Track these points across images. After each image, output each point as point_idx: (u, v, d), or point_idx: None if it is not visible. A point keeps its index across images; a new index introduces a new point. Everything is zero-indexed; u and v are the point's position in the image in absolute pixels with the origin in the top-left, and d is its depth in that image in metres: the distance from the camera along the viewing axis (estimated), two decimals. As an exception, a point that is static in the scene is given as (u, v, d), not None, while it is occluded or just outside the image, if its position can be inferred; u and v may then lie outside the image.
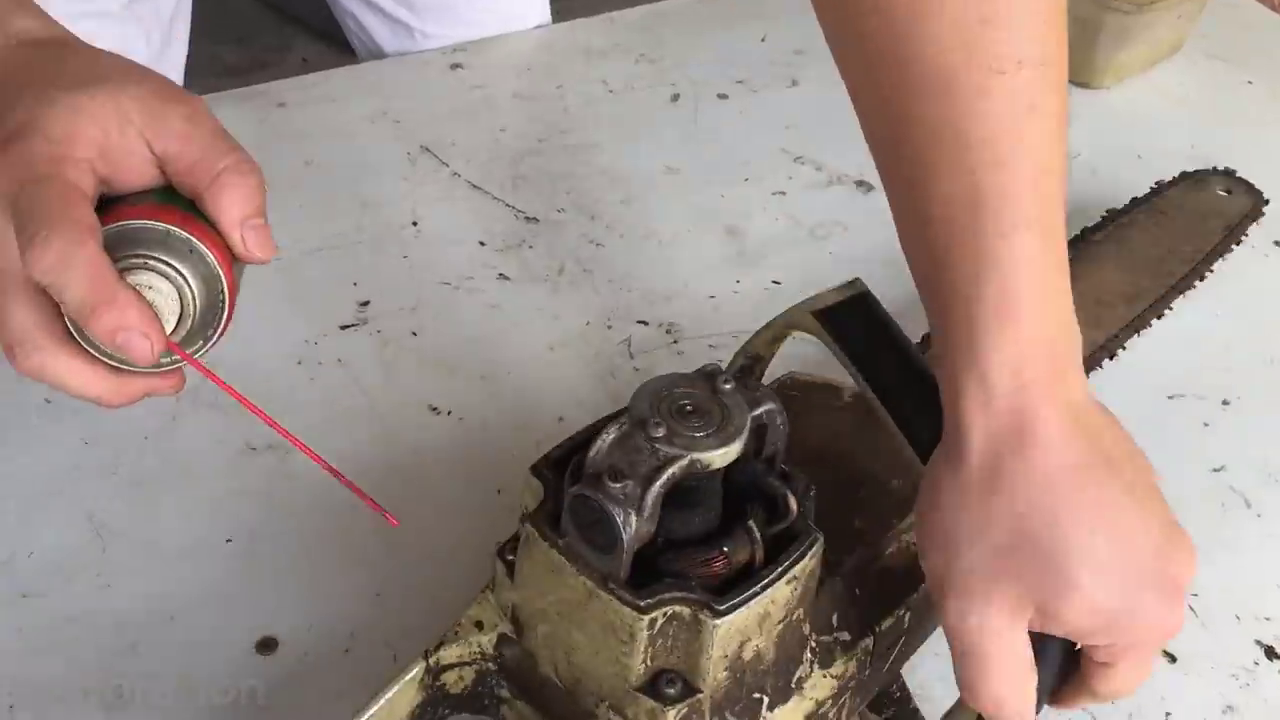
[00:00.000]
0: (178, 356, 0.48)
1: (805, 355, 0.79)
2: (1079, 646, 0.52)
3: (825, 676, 0.55)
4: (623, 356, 0.84)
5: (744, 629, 0.50)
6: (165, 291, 0.46)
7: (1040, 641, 0.51)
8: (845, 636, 0.56)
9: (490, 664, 0.56)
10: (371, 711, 0.53)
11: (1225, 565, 0.73)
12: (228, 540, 0.70)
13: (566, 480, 0.51)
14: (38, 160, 0.45)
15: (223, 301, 0.48)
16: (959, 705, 0.55)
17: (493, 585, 0.56)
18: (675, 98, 1.08)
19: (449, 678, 0.55)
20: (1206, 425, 0.83)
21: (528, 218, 0.95)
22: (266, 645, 0.65)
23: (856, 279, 0.60)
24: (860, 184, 1.00)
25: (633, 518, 0.47)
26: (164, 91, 0.49)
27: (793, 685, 0.54)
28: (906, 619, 0.58)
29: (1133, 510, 0.50)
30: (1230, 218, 0.95)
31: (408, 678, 0.54)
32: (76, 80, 0.48)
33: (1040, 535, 0.48)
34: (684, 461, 0.48)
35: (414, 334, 0.84)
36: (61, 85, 0.47)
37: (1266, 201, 0.98)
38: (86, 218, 0.45)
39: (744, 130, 1.06)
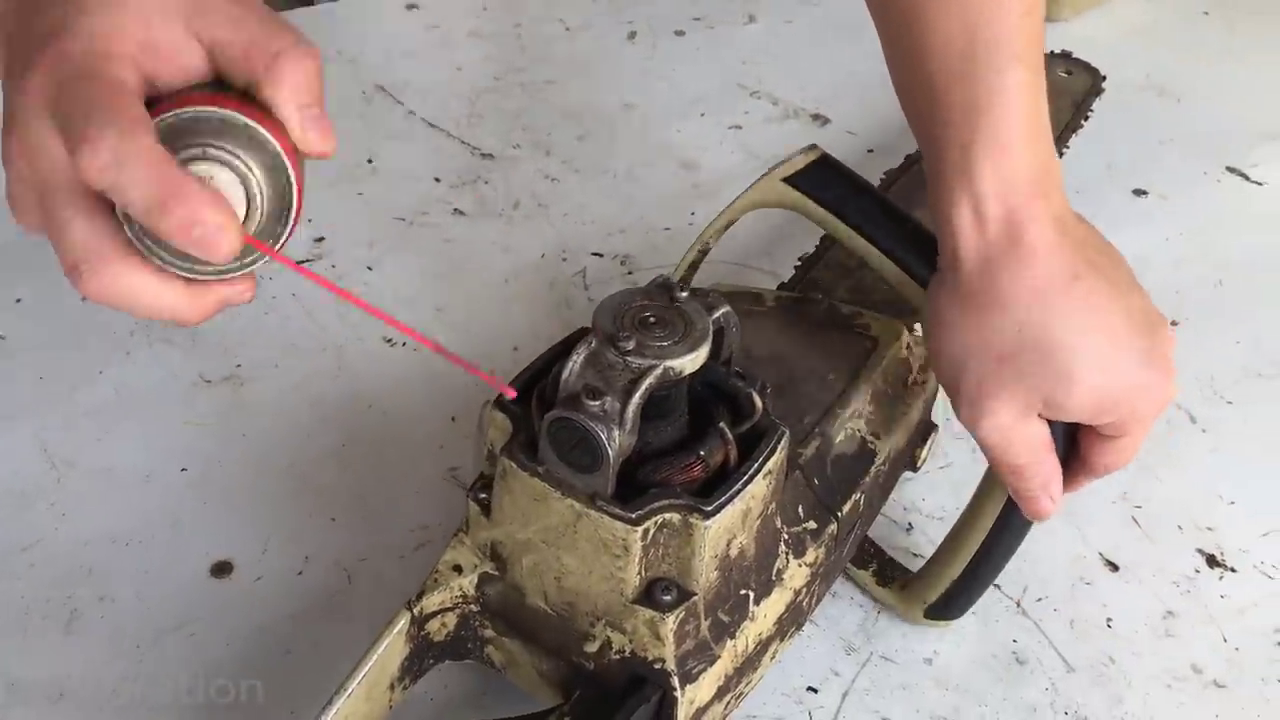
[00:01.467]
0: (252, 255, 0.43)
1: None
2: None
3: (800, 565, 0.56)
4: (577, 288, 0.85)
5: (730, 527, 0.51)
6: (228, 181, 0.41)
7: (1050, 426, 0.55)
8: (812, 525, 0.57)
9: (472, 605, 0.56)
10: (366, 669, 0.53)
11: (1170, 479, 0.74)
12: (182, 469, 0.71)
13: (534, 409, 0.52)
14: (77, 59, 0.41)
15: (290, 192, 0.42)
16: (988, 479, 0.59)
17: (466, 527, 0.55)
18: (632, 35, 1.09)
19: (432, 626, 0.56)
20: (1154, 345, 0.84)
21: (483, 154, 0.95)
22: (221, 569, 0.66)
23: (813, 145, 0.62)
24: (816, 117, 1.01)
25: (615, 432, 0.48)
26: None
27: (773, 578, 0.55)
28: (862, 502, 0.60)
29: (1118, 303, 0.54)
30: (1075, 95, 0.97)
31: (395, 630, 0.54)
32: None
33: (1038, 340, 0.53)
34: (658, 370, 0.49)
35: (369, 268, 0.85)
36: None
37: (1104, 78, 0.99)
38: (136, 109, 0.40)
39: (701, 66, 1.06)
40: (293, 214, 0.43)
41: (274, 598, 0.65)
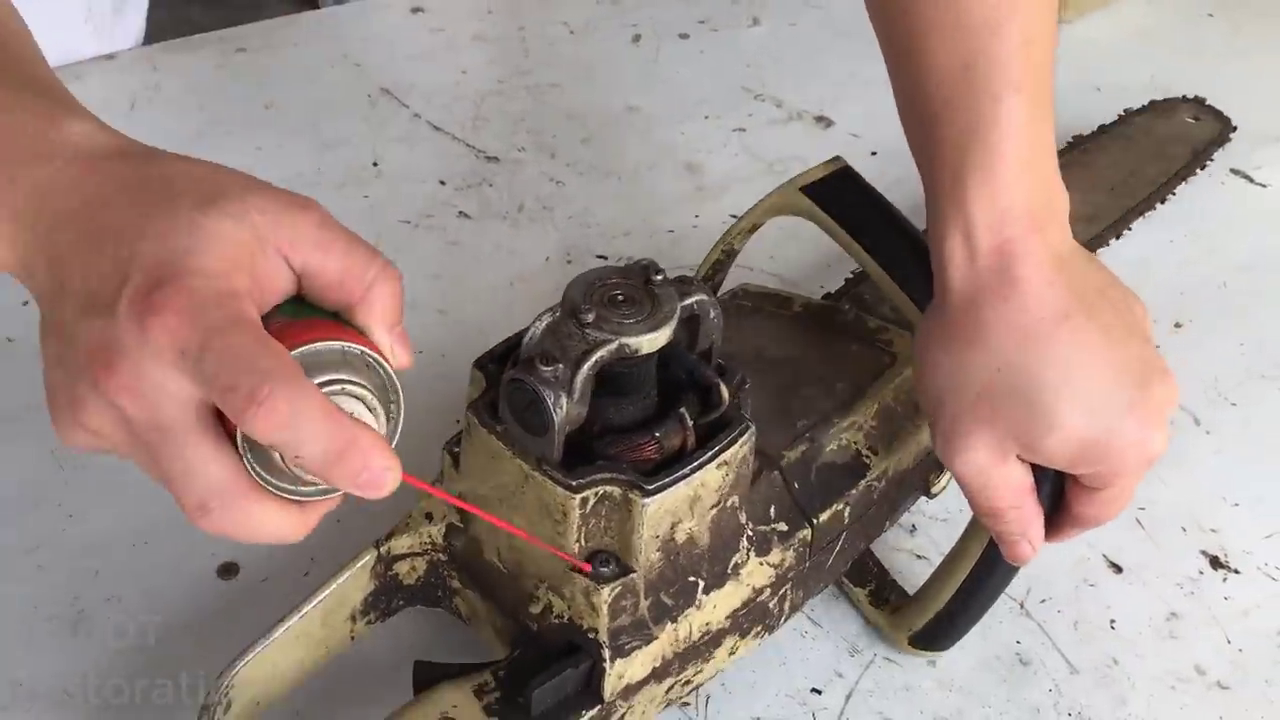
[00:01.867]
0: None
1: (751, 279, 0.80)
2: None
3: (762, 564, 0.56)
4: (582, 290, 0.85)
5: (674, 510, 0.51)
6: (365, 414, 0.43)
7: (1036, 472, 0.54)
8: (782, 527, 0.57)
9: (440, 554, 0.57)
10: (322, 596, 0.55)
11: (1174, 481, 0.74)
12: (189, 471, 0.71)
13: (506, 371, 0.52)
14: (210, 303, 0.40)
15: (399, 409, 0.44)
16: (973, 521, 0.59)
17: (441, 478, 0.57)
18: (636, 38, 1.09)
19: (401, 568, 0.57)
20: (1158, 347, 0.83)
21: (488, 157, 0.95)
22: (228, 570, 0.66)
23: (837, 156, 0.62)
24: (820, 119, 1.01)
25: (563, 399, 0.49)
26: (286, 199, 0.43)
27: (729, 571, 0.55)
28: (846, 514, 0.60)
29: (1110, 349, 0.52)
30: (1196, 142, 0.96)
31: (359, 564, 0.56)
32: (199, 198, 0.42)
33: (1017, 380, 0.52)
34: (612, 345, 0.49)
35: (374, 271, 0.85)
36: (186, 206, 0.41)
37: (1234, 128, 0.98)
38: (289, 359, 0.40)
39: (705, 69, 1.06)
40: (399, 424, 0.45)
41: (280, 599, 0.65)
